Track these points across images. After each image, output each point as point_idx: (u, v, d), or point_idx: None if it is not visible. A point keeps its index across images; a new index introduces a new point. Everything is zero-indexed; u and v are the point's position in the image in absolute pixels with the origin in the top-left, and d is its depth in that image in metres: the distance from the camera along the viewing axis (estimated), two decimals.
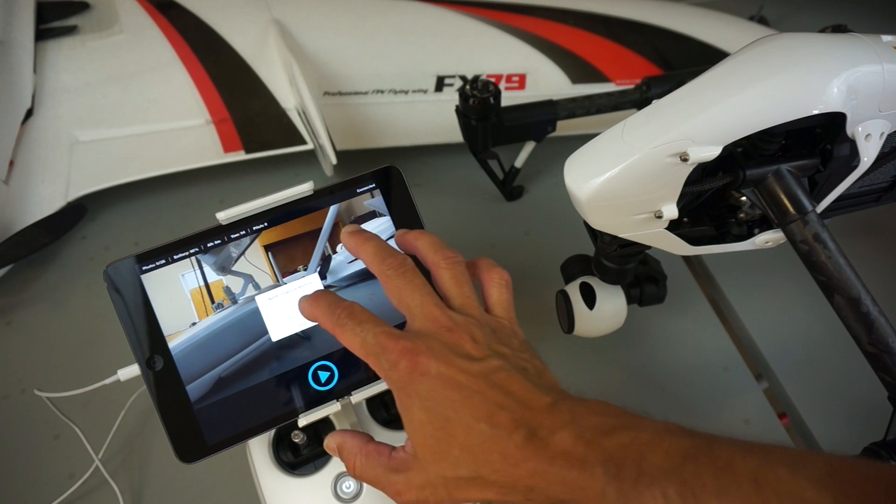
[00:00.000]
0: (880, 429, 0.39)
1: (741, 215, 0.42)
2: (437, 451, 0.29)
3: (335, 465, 0.40)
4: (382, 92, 0.65)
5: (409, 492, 0.30)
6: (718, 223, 0.43)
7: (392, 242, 0.37)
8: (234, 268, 0.37)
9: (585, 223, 0.40)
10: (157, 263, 0.36)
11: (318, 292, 0.34)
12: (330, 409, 0.37)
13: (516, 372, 0.30)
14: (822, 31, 0.52)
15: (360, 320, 0.32)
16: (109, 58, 0.65)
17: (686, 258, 0.59)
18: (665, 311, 0.53)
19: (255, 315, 0.36)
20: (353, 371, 0.37)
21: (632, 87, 0.58)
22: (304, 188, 0.37)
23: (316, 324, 0.37)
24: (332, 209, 0.38)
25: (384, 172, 0.39)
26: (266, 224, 0.37)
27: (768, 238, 0.42)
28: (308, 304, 0.33)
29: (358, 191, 0.38)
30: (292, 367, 0.37)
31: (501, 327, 0.33)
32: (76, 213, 0.59)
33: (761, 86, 0.35)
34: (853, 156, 0.39)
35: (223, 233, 0.37)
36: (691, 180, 0.37)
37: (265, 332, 0.36)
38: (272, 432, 0.41)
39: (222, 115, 0.63)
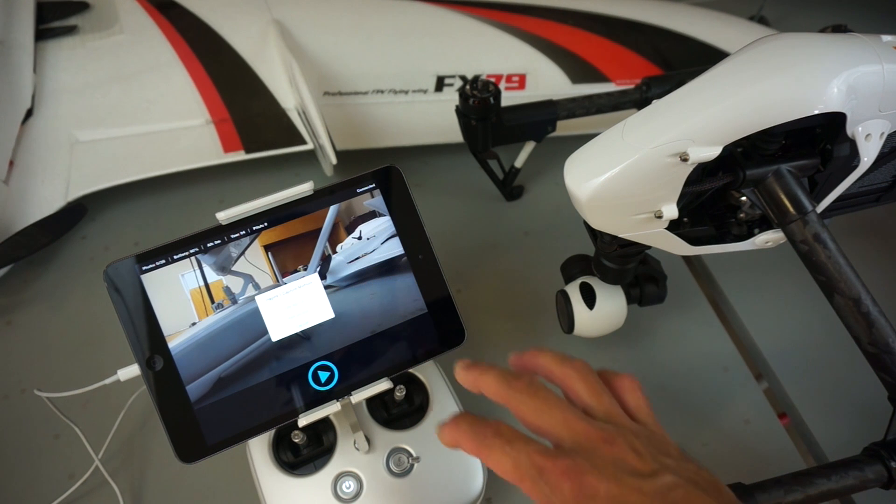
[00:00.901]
0: (880, 429, 0.39)
1: (741, 215, 0.42)
2: None
3: (335, 465, 0.40)
4: (382, 92, 0.65)
5: None
6: (718, 223, 0.43)
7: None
8: (233, 268, 0.37)
9: (585, 223, 0.40)
10: (157, 263, 0.36)
11: (456, 416, 0.31)
12: (330, 409, 0.37)
13: (694, 488, 0.27)
14: (822, 31, 0.52)
15: (510, 439, 0.28)
16: (109, 58, 0.65)
17: (686, 258, 0.59)
18: (665, 311, 0.53)
19: (255, 315, 0.36)
20: (353, 371, 0.37)
21: (632, 87, 0.58)
22: (304, 188, 0.37)
23: (316, 324, 0.37)
24: (332, 209, 0.38)
25: (384, 172, 0.39)
26: (266, 224, 0.37)
27: (768, 238, 0.42)
28: (448, 430, 0.30)
29: (358, 191, 0.38)
30: (292, 367, 0.37)
31: (654, 435, 0.30)
32: (76, 213, 0.59)
33: (761, 86, 0.35)
34: (853, 156, 0.39)
35: (223, 233, 0.37)
36: (691, 180, 0.37)
37: (265, 332, 0.36)
38: (272, 432, 0.41)
39: (222, 115, 0.63)
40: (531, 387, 0.30)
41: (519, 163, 0.61)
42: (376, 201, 0.38)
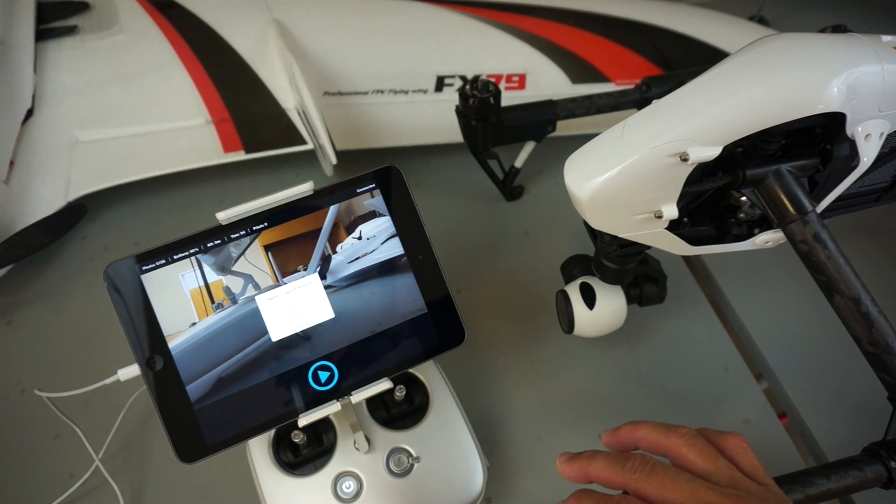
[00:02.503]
0: (880, 429, 0.39)
1: (741, 215, 0.42)
2: None
3: (335, 465, 0.40)
4: (382, 92, 0.65)
5: None
6: (718, 223, 0.43)
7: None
8: (233, 268, 0.37)
9: (585, 223, 0.40)
10: (157, 263, 0.36)
11: (578, 494, 0.30)
12: (330, 409, 0.37)
13: None
14: (822, 31, 0.52)
15: None
16: (109, 58, 0.65)
17: (686, 258, 0.59)
18: (665, 311, 0.53)
19: (255, 315, 0.36)
20: (353, 371, 0.37)
21: (632, 87, 0.58)
22: (304, 188, 0.37)
23: (316, 324, 0.37)
24: (332, 209, 0.38)
25: (384, 172, 0.39)
26: (266, 224, 0.37)
27: (768, 238, 0.42)
28: None
29: (358, 191, 0.38)
30: (292, 367, 0.37)
31: (780, 498, 0.30)
32: (76, 213, 0.59)
33: (761, 86, 0.35)
34: (853, 156, 0.39)
35: (223, 233, 0.37)
36: (691, 180, 0.37)
37: (265, 332, 0.36)
38: (272, 432, 0.41)
39: (222, 115, 0.63)
40: (646, 464, 0.29)
41: (519, 163, 0.61)
42: (376, 201, 0.38)
